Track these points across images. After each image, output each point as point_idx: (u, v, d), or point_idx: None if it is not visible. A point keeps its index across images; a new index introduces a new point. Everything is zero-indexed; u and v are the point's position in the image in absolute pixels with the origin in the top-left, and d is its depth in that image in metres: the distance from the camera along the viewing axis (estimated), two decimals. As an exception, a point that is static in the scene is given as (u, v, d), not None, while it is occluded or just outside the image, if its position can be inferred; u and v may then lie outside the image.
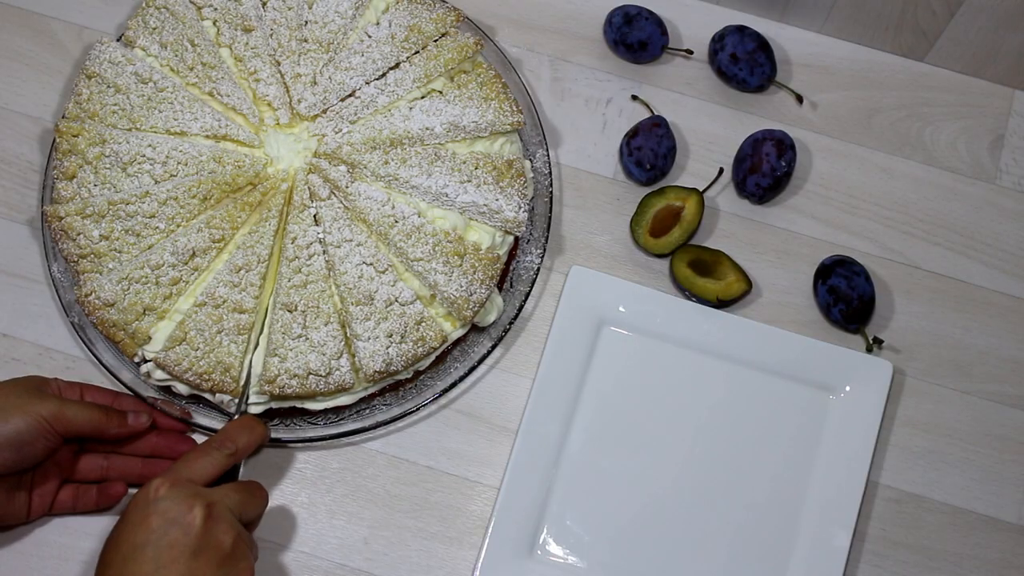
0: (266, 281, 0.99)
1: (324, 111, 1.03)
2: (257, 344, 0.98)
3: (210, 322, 0.96)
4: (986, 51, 1.11)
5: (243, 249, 0.98)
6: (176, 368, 0.95)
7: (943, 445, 1.04)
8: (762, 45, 1.10)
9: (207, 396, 0.97)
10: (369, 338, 0.96)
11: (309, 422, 1.00)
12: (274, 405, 0.98)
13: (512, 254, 1.05)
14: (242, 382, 0.96)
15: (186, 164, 1.00)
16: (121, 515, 0.84)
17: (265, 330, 0.98)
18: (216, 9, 1.05)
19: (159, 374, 0.96)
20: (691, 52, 1.14)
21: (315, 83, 1.03)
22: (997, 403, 1.05)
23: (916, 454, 1.04)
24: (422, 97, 1.04)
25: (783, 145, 1.07)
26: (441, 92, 1.04)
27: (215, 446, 0.90)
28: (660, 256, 1.08)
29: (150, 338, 0.96)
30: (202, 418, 0.99)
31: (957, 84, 1.15)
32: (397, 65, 1.04)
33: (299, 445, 1.01)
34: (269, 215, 0.99)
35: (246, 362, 0.97)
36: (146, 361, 0.97)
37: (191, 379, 0.95)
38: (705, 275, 1.05)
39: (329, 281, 0.98)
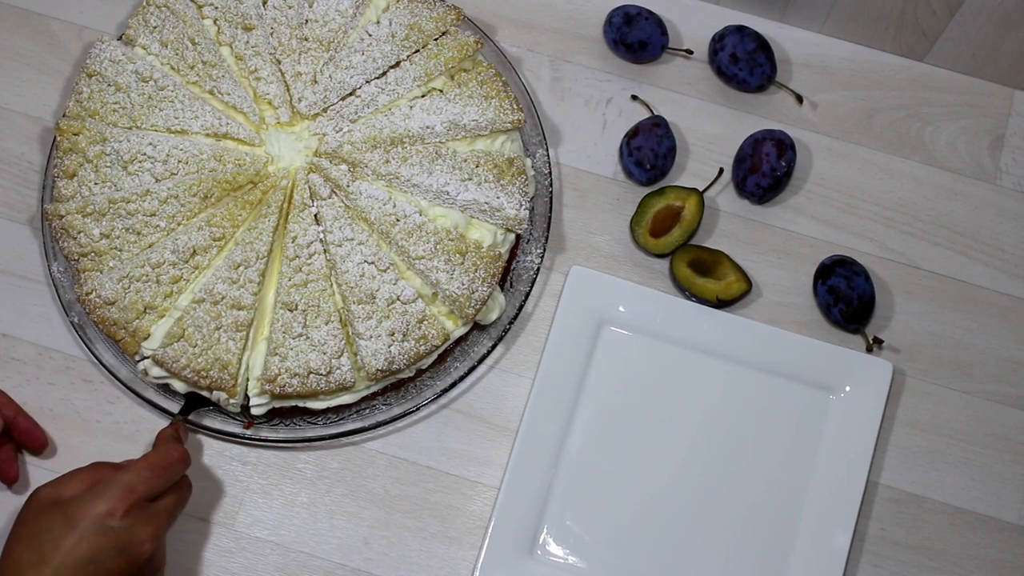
0: (265, 278, 0.98)
1: (325, 110, 1.03)
2: (255, 341, 0.98)
3: (208, 318, 0.96)
4: (986, 51, 1.11)
5: (242, 245, 0.98)
6: (174, 365, 0.95)
7: (943, 445, 1.04)
8: (762, 45, 1.10)
9: (204, 394, 0.97)
10: (371, 337, 0.96)
11: (309, 422, 1.00)
12: (276, 404, 0.98)
13: (513, 253, 1.05)
14: (240, 380, 0.96)
15: (187, 162, 1.00)
16: (55, 515, 0.84)
17: (266, 329, 0.98)
18: (217, 7, 1.05)
19: (157, 371, 0.96)
20: (691, 52, 1.14)
21: (316, 82, 1.03)
22: (997, 403, 1.05)
23: (916, 454, 1.04)
24: (423, 96, 1.04)
25: (783, 145, 1.07)
26: (442, 91, 1.04)
27: (165, 466, 0.89)
28: (660, 256, 1.08)
29: (151, 335, 0.96)
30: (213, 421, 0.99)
31: (957, 84, 1.15)
32: (397, 64, 1.04)
33: (299, 445, 1.01)
34: (268, 211, 0.99)
35: (244, 359, 0.96)
36: (144, 358, 0.97)
37: (189, 376, 0.95)
38: (705, 275, 1.05)
39: (330, 280, 0.98)
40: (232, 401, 0.96)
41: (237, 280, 0.97)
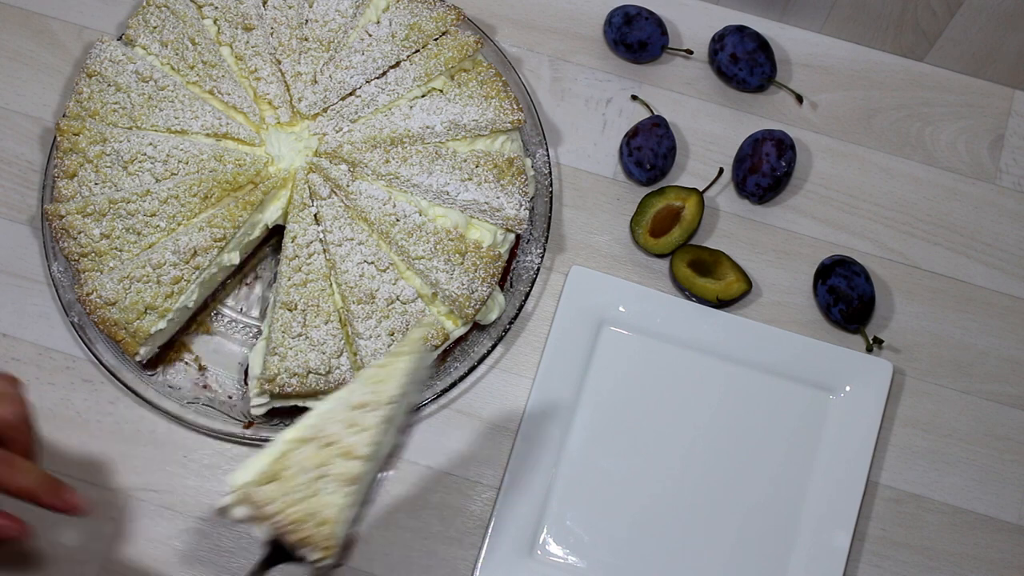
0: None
1: (325, 110, 1.03)
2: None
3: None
4: (986, 51, 1.11)
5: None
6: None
7: (943, 445, 1.04)
8: (762, 45, 1.10)
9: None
10: (371, 336, 0.96)
11: (309, 422, 1.00)
12: (276, 404, 0.98)
13: (513, 253, 1.05)
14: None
15: (187, 162, 1.00)
16: None
17: (265, 330, 0.98)
18: (217, 7, 1.05)
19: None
20: (691, 52, 1.14)
21: (316, 82, 1.03)
22: (997, 403, 1.05)
23: (916, 454, 1.04)
24: (423, 95, 1.04)
25: (783, 145, 1.07)
26: (442, 90, 1.04)
27: None
28: (660, 256, 1.08)
29: (151, 335, 0.96)
30: (202, 419, 0.99)
31: (957, 84, 1.15)
32: (397, 64, 1.04)
33: (299, 445, 1.01)
34: None
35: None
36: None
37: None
38: (705, 275, 1.05)
39: (329, 280, 0.98)
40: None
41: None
